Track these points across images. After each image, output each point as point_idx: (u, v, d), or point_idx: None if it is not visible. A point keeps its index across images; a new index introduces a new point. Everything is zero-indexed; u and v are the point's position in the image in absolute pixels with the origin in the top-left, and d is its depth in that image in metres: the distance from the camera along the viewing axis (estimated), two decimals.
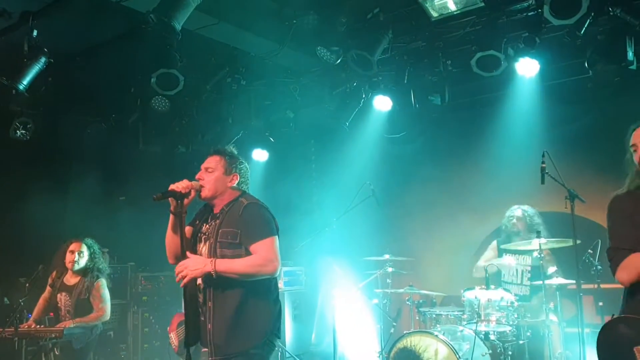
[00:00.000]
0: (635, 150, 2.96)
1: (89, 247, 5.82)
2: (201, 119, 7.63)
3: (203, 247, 3.52)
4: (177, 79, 5.95)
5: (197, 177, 3.55)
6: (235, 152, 3.72)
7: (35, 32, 5.16)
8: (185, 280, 3.29)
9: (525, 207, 6.20)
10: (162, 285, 7.85)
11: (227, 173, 3.59)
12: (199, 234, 3.57)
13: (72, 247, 5.77)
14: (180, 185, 3.35)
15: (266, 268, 3.36)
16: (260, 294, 3.42)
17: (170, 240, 3.52)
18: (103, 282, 5.81)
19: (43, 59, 5.30)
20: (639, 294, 2.87)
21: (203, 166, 3.60)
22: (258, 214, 3.49)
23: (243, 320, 3.35)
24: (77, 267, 5.73)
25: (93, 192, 7.21)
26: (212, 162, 3.60)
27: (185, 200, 3.36)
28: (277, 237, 3.48)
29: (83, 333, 5.62)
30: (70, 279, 5.80)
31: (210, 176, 3.55)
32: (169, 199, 3.33)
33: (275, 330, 3.47)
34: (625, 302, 2.97)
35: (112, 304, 5.96)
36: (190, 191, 3.38)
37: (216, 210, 3.58)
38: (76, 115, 7.20)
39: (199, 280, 3.44)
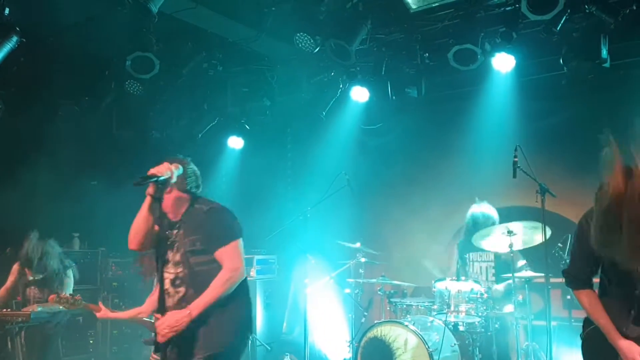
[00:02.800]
0: None
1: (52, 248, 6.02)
2: (176, 104, 7.54)
3: (175, 255, 3.47)
4: (152, 63, 5.87)
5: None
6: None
7: (7, 10, 5.02)
8: (169, 336, 3.25)
9: (485, 209, 6.12)
10: (133, 271, 7.77)
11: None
12: (168, 240, 3.47)
13: None
14: (161, 169, 3.27)
15: (235, 278, 3.38)
16: (236, 295, 3.43)
17: (142, 223, 3.43)
18: (69, 273, 6.08)
19: (15, 38, 5.16)
20: (614, 300, 2.95)
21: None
22: (220, 217, 3.48)
23: (222, 321, 3.37)
24: None
25: (64, 176, 7.08)
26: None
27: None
28: (240, 239, 3.47)
29: (51, 316, 5.79)
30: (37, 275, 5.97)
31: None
32: (150, 183, 3.26)
33: (249, 325, 3.60)
34: (605, 308, 3.05)
35: (81, 290, 6.26)
36: (171, 174, 3.31)
37: (173, 217, 3.50)
38: (48, 97, 7.04)
39: (165, 284, 3.41)
